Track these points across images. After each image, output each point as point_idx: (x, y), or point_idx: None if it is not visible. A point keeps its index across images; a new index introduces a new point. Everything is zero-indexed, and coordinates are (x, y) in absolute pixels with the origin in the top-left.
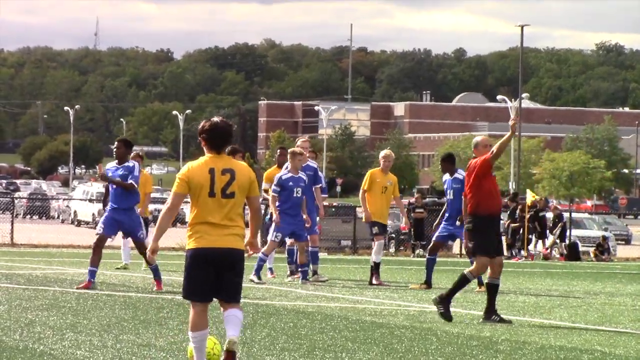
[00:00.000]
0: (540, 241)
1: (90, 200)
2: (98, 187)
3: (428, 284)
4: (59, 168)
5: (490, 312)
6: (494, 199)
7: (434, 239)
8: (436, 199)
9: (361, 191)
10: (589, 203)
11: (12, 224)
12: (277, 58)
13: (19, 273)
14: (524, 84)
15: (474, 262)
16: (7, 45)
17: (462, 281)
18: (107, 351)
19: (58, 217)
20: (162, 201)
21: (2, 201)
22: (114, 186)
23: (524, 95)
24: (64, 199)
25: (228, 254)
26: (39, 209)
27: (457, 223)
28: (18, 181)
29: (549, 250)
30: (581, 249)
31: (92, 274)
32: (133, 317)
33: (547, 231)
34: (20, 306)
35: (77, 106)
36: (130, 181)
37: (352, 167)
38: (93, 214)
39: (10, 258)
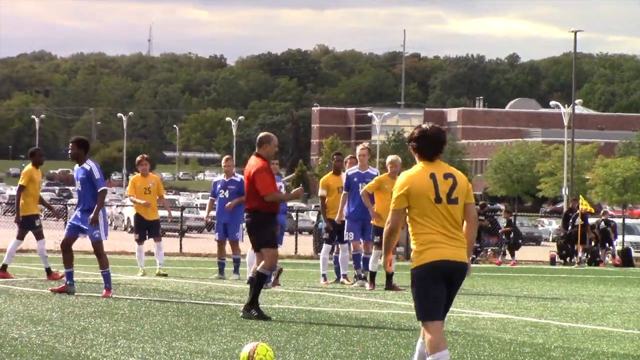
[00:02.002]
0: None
1: None
2: None
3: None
4: (112, 175)
5: (252, 305)
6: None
7: None
8: (489, 205)
9: (362, 191)
10: None
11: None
12: (330, 64)
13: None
14: (578, 90)
15: (265, 257)
16: (60, 51)
17: (260, 279)
18: (160, 358)
19: (111, 223)
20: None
21: (55, 208)
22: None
23: (577, 101)
24: (117, 206)
25: (458, 268)
26: None
27: None
28: (71, 188)
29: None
30: (634, 254)
31: (69, 275)
32: (186, 324)
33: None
34: (72, 313)
35: (130, 113)
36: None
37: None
38: None
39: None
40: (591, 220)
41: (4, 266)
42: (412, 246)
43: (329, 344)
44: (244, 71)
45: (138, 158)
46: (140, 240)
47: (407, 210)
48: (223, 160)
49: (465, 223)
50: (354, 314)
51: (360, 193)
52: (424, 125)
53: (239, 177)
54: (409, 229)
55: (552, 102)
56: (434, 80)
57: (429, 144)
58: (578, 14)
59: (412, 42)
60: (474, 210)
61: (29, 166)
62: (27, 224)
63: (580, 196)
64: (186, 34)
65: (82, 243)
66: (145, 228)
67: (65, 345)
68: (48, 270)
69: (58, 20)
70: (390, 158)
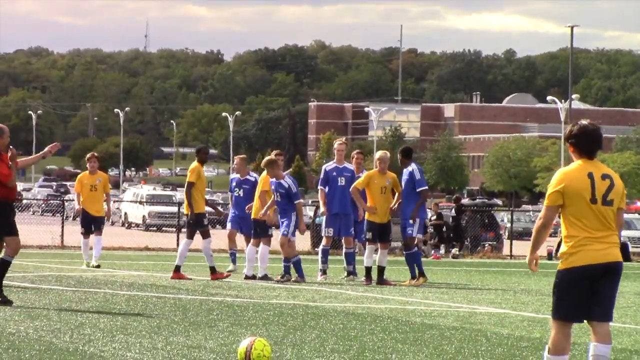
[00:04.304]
0: None
1: (141, 203)
2: (148, 190)
3: (414, 277)
4: (109, 170)
5: None
6: (5, 187)
7: (403, 238)
8: (485, 200)
9: (352, 188)
10: (639, 204)
11: (63, 226)
12: (327, 59)
13: (69, 275)
14: (574, 85)
15: (10, 245)
16: (57, 47)
17: (4, 266)
18: (157, 353)
19: (108, 219)
20: (211, 203)
21: (52, 203)
22: None
23: (574, 96)
24: (114, 201)
25: (613, 268)
26: None
27: (410, 221)
28: (68, 183)
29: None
30: (631, 249)
31: None
32: (183, 319)
33: None
34: (70, 308)
35: (127, 108)
36: None
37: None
38: (143, 216)
39: (61, 260)
40: None
41: (177, 267)
42: (563, 247)
43: (326, 339)
44: (240, 67)
45: (88, 155)
46: (85, 234)
47: (560, 209)
48: (236, 160)
49: None
50: (351, 309)
51: (350, 190)
52: (582, 122)
53: (253, 176)
54: (562, 228)
55: (548, 97)
56: (430, 75)
57: (589, 141)
58: (574, 9)
59: (408, 38)
60: (622, 218)
61: (195, 163)
62: (196, 223)
63: None
64: (183, 30)
65: (80, 240)
66: (90, 222)
67: (62, 340)
68: (212, 269)
69: (55, 16)
70: (378, 154)
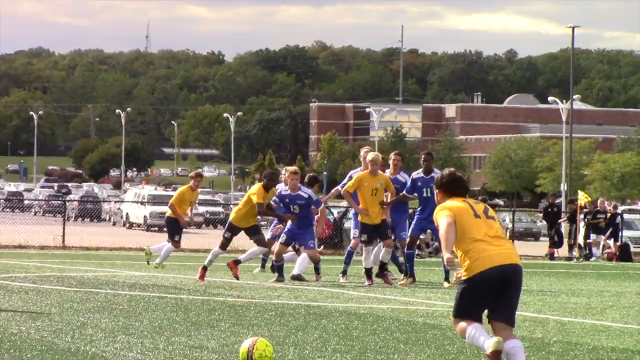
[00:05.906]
0: (607, 241)
1: (142, 203)
2: (149, 190)
3: (412, 277)
4: (111, 171)
5: None
6: None
7: (409, 234)
8: (487, 200)
9: (342, 190)
10: None
11: (64, 226)
12: (328, 60)
13: (71, 275)
14: (575, 85)
15: None
16: (58, 48)
17: None
18: (159, 353)
19: (109, 219)
20: (212, 203)
21: (54, 204)
22: None
23: (575, 96)
24: (116, 202)
25: (512, 271)
26: (91, 211)
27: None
28: (70, 184)
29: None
30: (633, 250)
31: None
32: (185, 319)
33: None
34: (72, 308)
35: (128, 109)
36: None
37: (404, 169)
38: (144, 217)
39: (62, 260)
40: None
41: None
42: (464, 263)
43: (328, 339)
44: (241, 67)
45: (193, 174)
46: (178, 243)
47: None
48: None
49: None
50: (353, 309)
51: (342, 193)
52: (449, 170)
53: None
54: (458, 253)
55: (550, 98)
56: (432, 76)
57: (458, 185)
58: (575, 10)
59: (410, 38)
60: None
61: (258, 186)
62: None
63: (580, 192)
64: (184, 31)
65: (81, 240)
66: (180, 231)
67: (64, 341)
68: (237, 261)
69: (56, 17)
70: (371, 156)
